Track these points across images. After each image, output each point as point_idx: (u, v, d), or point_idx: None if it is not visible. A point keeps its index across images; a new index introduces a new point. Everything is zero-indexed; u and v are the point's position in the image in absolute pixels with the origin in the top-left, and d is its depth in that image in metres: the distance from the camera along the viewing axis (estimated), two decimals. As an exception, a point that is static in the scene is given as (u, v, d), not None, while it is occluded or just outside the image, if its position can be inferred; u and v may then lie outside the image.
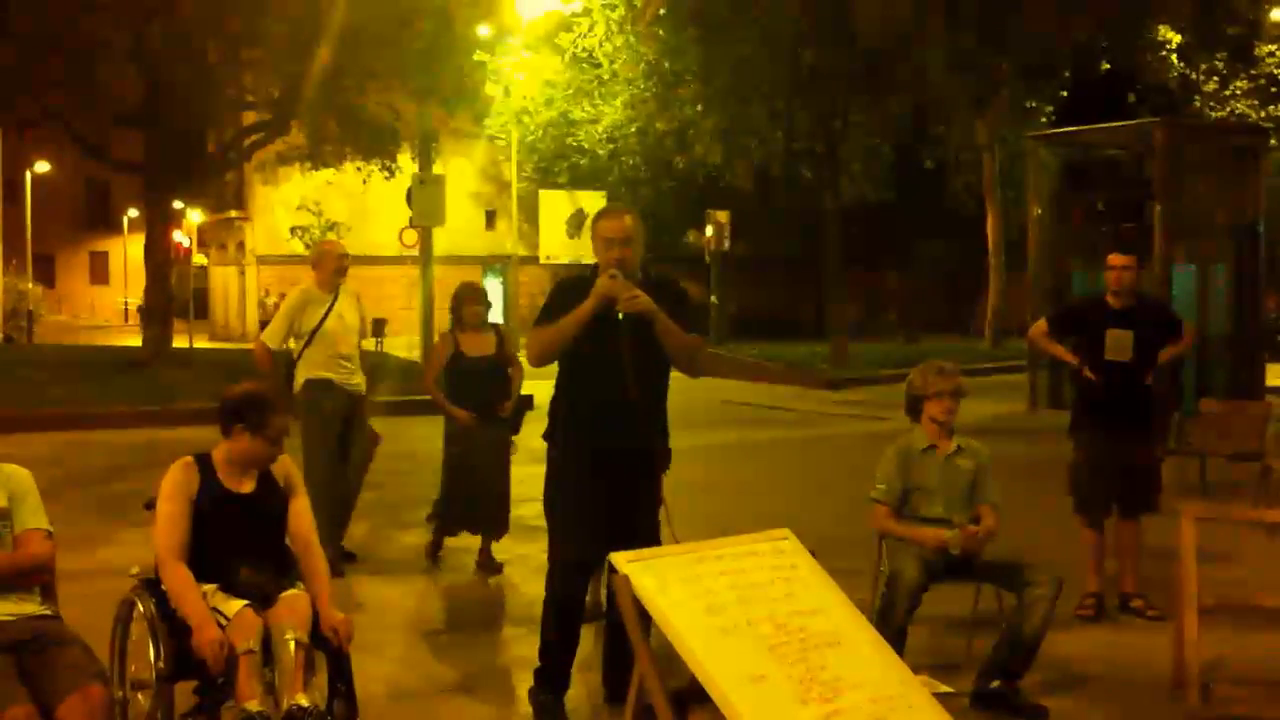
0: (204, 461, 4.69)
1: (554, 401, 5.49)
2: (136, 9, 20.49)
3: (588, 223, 5.84)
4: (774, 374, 24.52)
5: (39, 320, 43.66)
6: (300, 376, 7.90)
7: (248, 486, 4.72)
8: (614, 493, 5.24)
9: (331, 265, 8.04)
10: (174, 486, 4.60)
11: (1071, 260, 18.65)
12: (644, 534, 5.13)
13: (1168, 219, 16.71)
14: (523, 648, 5.58)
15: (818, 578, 4.37)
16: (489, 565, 8.03)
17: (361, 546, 8.80)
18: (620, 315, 5.07)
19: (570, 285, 5.43)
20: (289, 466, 4.86)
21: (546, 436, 5.45)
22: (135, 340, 27.89)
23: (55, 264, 62.78)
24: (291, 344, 8.01)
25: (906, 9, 23.23)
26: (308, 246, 42.34)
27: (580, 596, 5.41)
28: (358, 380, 8.09)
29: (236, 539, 4.59)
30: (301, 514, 4.79)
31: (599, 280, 5.12)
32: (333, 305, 7.95)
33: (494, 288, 41.80)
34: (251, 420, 4.68)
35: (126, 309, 59.87)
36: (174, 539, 4.51)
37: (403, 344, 30.16)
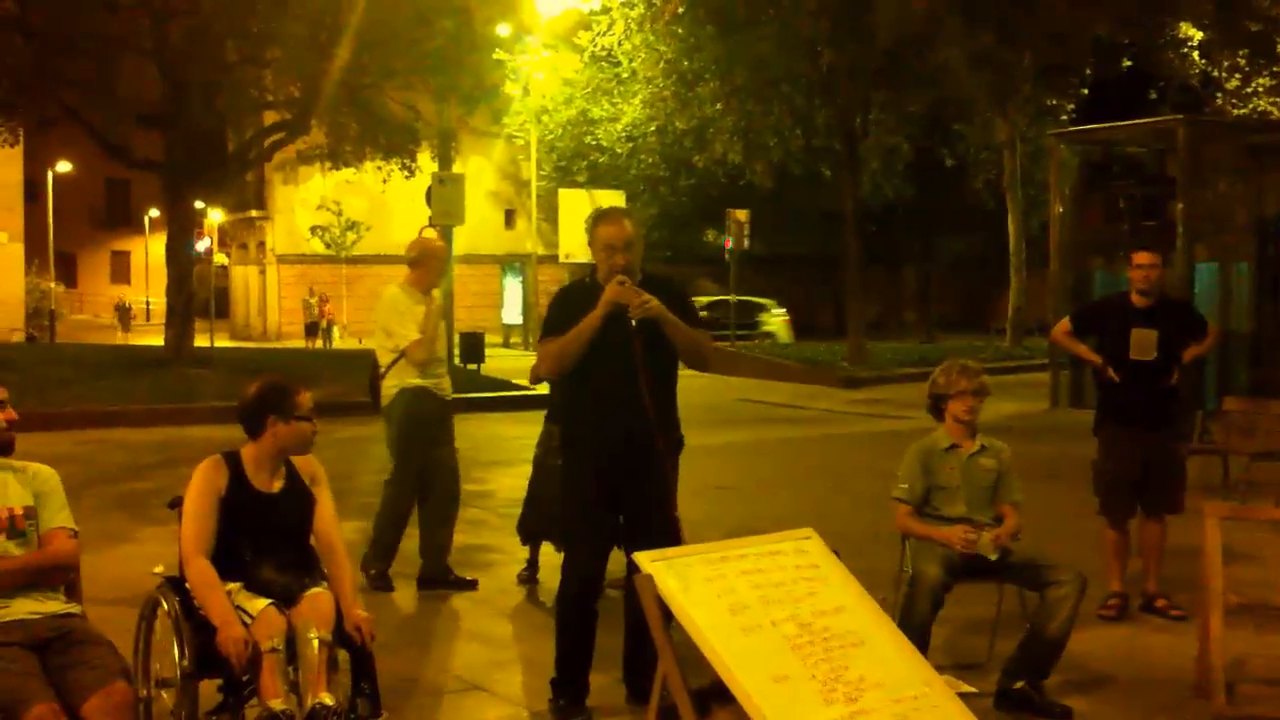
0: (233, 459, 4.70)
1: (565, 411, 5.45)
2: (157, 8, 20.58)
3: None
4: (793, 372, 24.50)
5: (61, 319, 43.92)
6: (397, 383, 7.48)
7: (275, 485, 4.72)
8: (629, 493, 5.24)
9: (439, 266, 7.68)
10: (203, 483, 4.61)
11: (1093, 258, 18.60)
12: (659, 530, 5.11)
13: (1189, 216, 16.67)
14: (545, 646, 5.59)
15: (841, 577, 4.36)
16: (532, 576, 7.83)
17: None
18: (633, 321, 5.05)
19: (570, 295, 5.41)
20: (314, 465, 4.87)
21: (556, 448, 5.42)
22: (157, 339, 28.01)
23: (77, 263, 63.09)
24: (373, 344, 7.68)
25: (926, 6, 23.17)
26: (328, 246, 42.58)
27: (593, 606, 5.38)
28: (447, 385, 7.75)
29: (262, 537, 4.60)
30: (326, 512, 4.79)
31: (608, 287, 5.09)
32: (429, 308, 7.55)
33: (513, 287, 41.91)
34: (281, 408, 4.69)
35: (148, 308, 60.15)
36: (200, 536, 4.53)
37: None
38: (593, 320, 5.10)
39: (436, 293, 7.69)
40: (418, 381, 7.48)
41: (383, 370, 7.53)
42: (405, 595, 7.52)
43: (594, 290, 5.17)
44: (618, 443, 5.20)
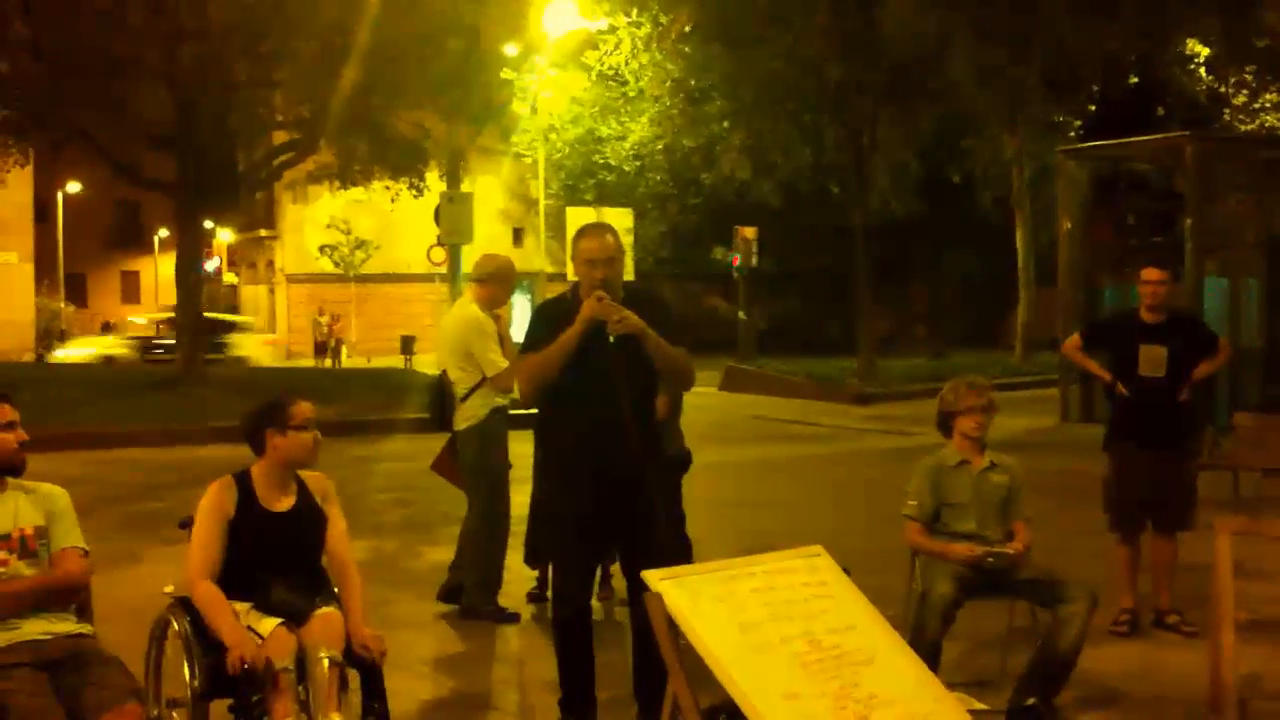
0: (243, 480, 4.71)
1: (543, 429, 5.41)
2: (167, 29, 20.66)
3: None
4: (803, 389, 24.49)
5: (71, 339, 43.99)
6: (485, 404, 7.30)
7: (285, 504, 4.72)
8: (618, 512, 5.18)
9: (510, 284, 7.55)
10: (211, 505, 4.61)
11: (1101, 274, 18.59)
12: (655, 547, 5.00)
13: (1198, 232, 16.64)
14: (554, 664, 5.58)
15: (851, 594, 4.35)
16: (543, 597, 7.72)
17: (393, 562, 8.84)
18: (611, 337, 5.00)
19: (550, 311, 5.36)
20: (325, 483, 4.87)
21: (538, 466, 5.39)
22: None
23: (87, 283, 63.18)
24: (450, 368, 7.44)
25: (934, 23, 23.22)
26: (337, 265, 42.65)
27: (588, 624, 5.35)
28: None
29: (273, 557, 4.60)
30: (338, 530, 4.79)
31: (586, 303, 5.04)
32: (500, 329, 7.42)
33: (522, 304, 41.94)
34: (277, 419, 4.69)
35: (157, 329, 60.20)
36: (205, 559, 4.53)
37: (430, 362, 30.24)
38: (570, 335, 5.04)
39: (503, 311, 7.58)
40: (501, 401, 7.33)
41: (464, 393, 7.34)
42: (414, 613, 7.51)
43: (574, 306, 5.13)
44: (600, 461, 5.14)
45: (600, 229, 5.33)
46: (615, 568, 7.02)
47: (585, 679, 5.31)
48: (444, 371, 7.55)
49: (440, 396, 7.58)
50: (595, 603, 6.77)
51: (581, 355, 5.05)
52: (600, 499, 5.17)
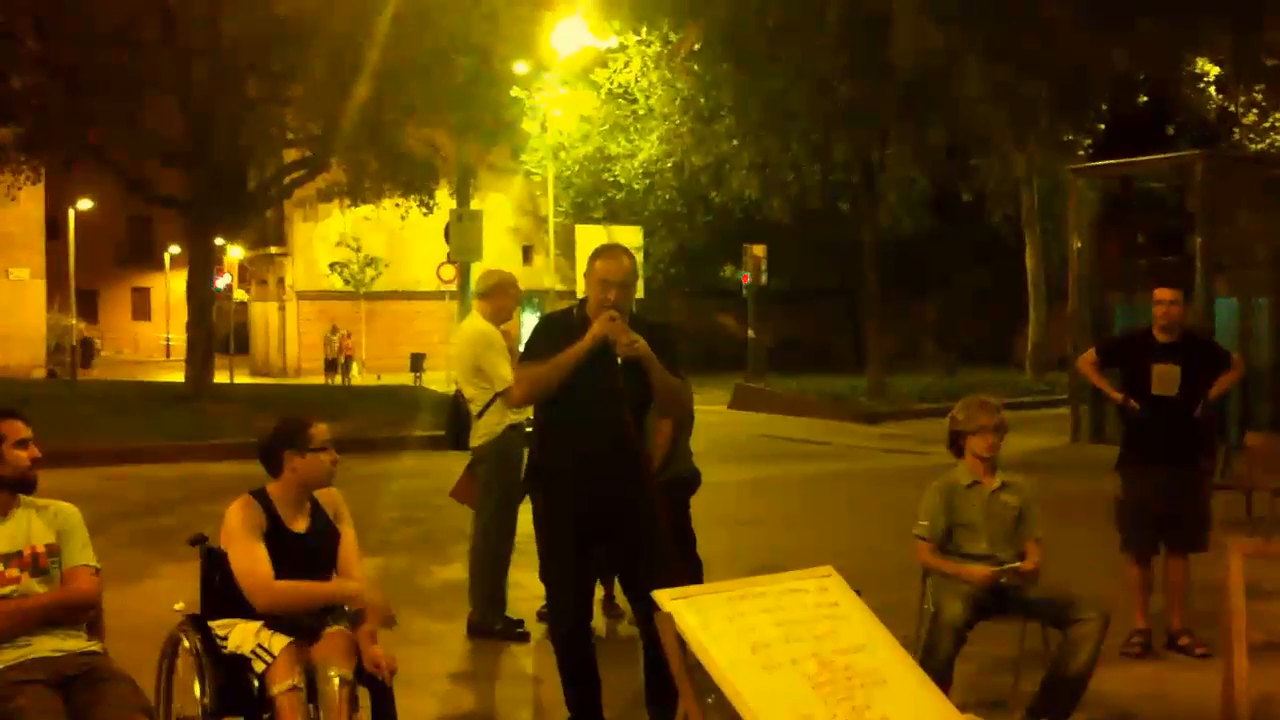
0: (263, 497, 4.70)
1: (540, 445, 5.43)
2: (179, 46, 20.76)
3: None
4: (812, 407, 24.45)
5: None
6: (501, 422, 7.25)
7: (303, 525, 4.72)
8: (612, 528, 5.18)
9: (515, 298, 7.56)
10: (244, 522, 4.58)
11: (1112, 293, 18.57)
12: (661, 568, 4.99)
13: (1208, 251, 16.62)
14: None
15: (862, 615, 4.34)
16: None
17: (403, 580, 8.84)
18: (619, 359, 5.01)
19: (553, 323, 5.39)
20: (337, 500, 4.87)
21: (529, 482, 5.39)
22: (178, 375, 28.14)
23: (98, 300, 63.39)
24: (464, 385, 7.43)
25: (943, 41, 23.21)
26: (347, 282, 42.75)
27: (588, 643, 5.34)
28: None
29: (290, 577, 4.57)
30: (349, 547, 4.79)
31: (598, 321, 5.05)
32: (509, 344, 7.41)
33: (531, 322, 42.07)
34: (297, 440, 4.69)
35: (168, 344, 60.38)
36: (261, 572, 4.52)
37: (440, 379, 30.28)
38: (578, 350, 5.05)
39: (511, 327, 7.58)
40: (516, 417, 7.25)
41: (479, 410, 7.32)
42: (425, 632, 7.50)
43: (580, 323, 5.15)
44: (598, 477, 5.13)
45: (618, 251, 5.35)
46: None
47: (590, 697, 5.29)
48: (458, 390, 7.55)
49: (456, 416, 7.54)
50: (600, 620, 6.77)
51: (584, 372, 5.06)
52: (595, 515, 5.17)
